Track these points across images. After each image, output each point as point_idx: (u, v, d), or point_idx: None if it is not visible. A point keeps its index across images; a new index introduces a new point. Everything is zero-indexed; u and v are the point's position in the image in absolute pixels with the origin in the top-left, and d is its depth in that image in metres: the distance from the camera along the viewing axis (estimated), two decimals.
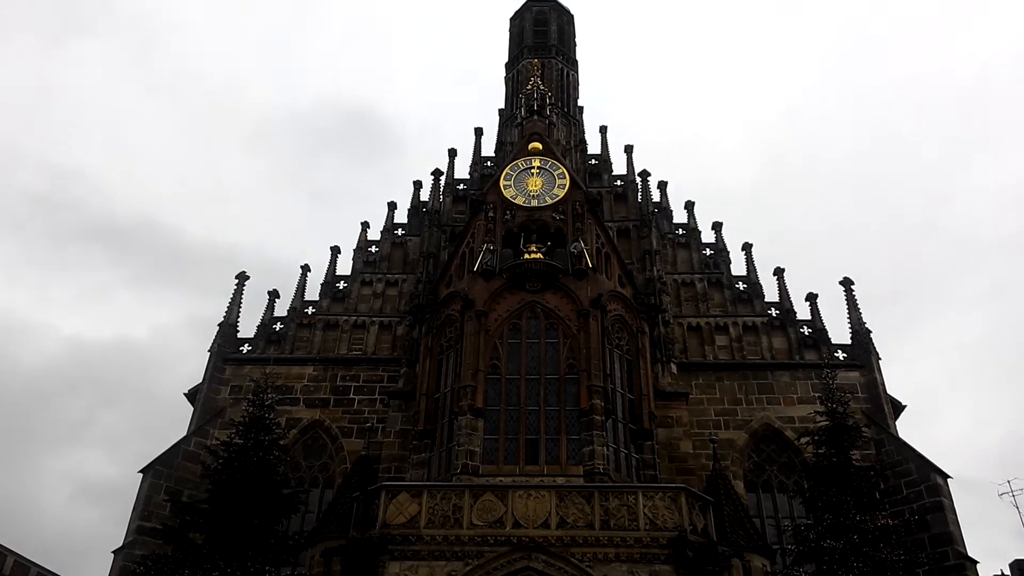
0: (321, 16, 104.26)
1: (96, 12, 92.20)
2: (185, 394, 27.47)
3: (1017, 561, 25.06)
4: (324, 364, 27.71)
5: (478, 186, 32.62)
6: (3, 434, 59.75)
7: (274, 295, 29.82)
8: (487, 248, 24.08)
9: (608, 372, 22.11)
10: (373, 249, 31.76)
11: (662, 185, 33.27)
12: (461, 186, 33.90)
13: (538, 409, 21.43)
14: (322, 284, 30.43)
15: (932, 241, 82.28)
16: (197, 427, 25.79)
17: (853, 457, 19.81)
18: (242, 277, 29.90)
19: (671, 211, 32.51)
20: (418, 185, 34.11)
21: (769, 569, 19.42)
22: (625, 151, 34.29)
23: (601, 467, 20.01)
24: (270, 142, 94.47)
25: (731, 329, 28.20)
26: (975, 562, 21.77)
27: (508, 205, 25.45)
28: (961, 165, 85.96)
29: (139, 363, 73.43)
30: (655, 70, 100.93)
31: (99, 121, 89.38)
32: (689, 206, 32.43)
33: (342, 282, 30.60)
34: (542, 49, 38.74)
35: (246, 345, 28.40)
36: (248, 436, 19.73)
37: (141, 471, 24.34)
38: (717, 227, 31.46)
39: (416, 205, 33.41)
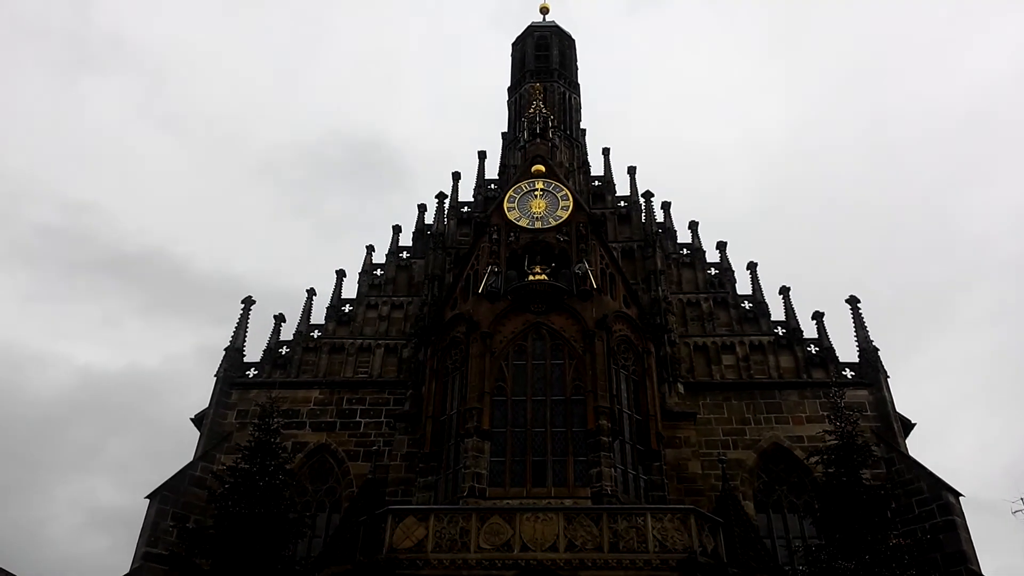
0: (328, 49, 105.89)
1: (107, 50, 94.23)
2: (192, 419, 27.44)
3: None
4: (330, 387, 27.69)
5: (482, 208, 32.81)
6: (14, 463, 59.88)
7: (280, 319, 29.86)
8: (492, 270, 24.15)
9: (614, 393, 22.03)
10: (378, 272, 31.86)
11: (666, 206, 33.38)
12: (465, 209, 34.09)
13: (544, 431, 21.33)
14: (327, 308, 30.47)
15: (937, 260, 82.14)
16: (203, 452, 25.71)
17: (863, 476, 19.61)
18: (248, 302, 29.93)
19: (675, 231, 32.61)
20: (422, 208, 34.25)
21: None
22: (628, 172, 34.45)
23: (609, 489, 19.87)
24: (277, 173, 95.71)
25: (738, 348, 28.11)
26: None
27: (512, 227, 25.57)
28: (965, 183, 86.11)
29: (148, 391, 73.76)
30: (658, 91, 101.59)
31: (111, 155, 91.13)
32: (693, 226, 32.55)
33: (347, 305, 30.65)
34: (544, 73, 39.15)
35: (252, 369, 28.41)
36: (254, 461, 19.74)
37: (148, 497, 24.24)
38: (722, 247, 31.50)
39: (421, 228, 33.55)
